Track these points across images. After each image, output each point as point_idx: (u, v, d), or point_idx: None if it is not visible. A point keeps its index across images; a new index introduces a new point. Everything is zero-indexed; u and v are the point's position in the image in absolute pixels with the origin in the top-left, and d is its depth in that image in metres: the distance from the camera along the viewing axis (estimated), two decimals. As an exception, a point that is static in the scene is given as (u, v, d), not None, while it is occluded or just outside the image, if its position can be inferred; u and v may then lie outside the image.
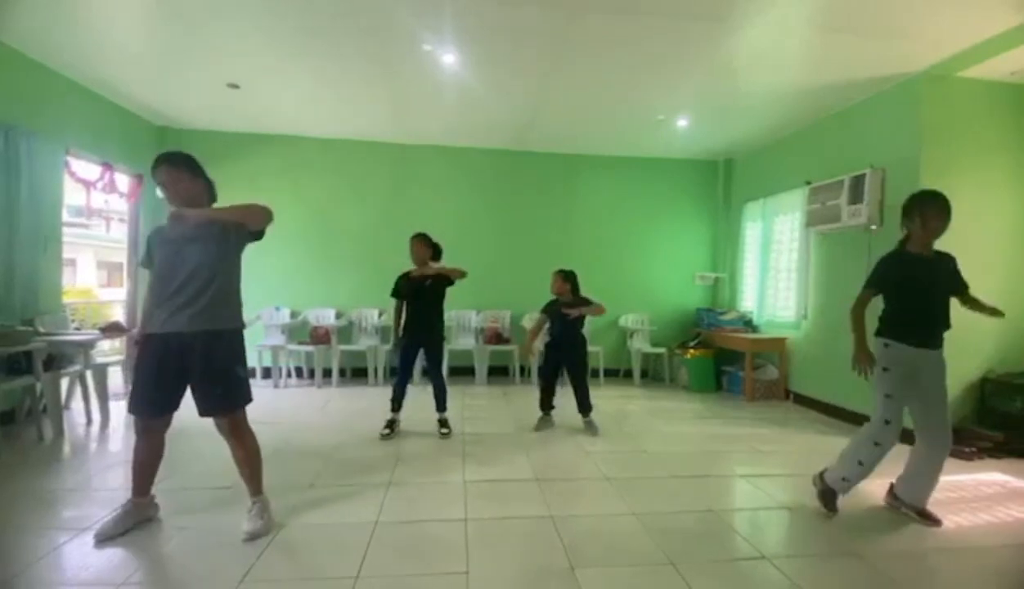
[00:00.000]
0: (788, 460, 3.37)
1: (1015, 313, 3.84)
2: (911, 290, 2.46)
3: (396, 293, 3.74)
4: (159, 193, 2.11)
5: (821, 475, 2.63)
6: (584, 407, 3.90)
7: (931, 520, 2.46)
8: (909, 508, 2.52)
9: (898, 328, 2.48)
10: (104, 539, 2.10)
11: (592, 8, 3.10)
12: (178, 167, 2.14)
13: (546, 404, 3.99)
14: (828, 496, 2.55)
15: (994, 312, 2.47)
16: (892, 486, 2.64)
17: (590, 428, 3.85)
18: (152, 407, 2.15)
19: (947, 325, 2.46)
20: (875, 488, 2.76)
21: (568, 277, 3.93)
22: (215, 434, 2.52)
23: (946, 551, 2.21)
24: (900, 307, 2.50)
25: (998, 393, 3.74)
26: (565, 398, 4.08)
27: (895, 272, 2.49)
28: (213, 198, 2.32)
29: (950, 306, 2.47)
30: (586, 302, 3.90)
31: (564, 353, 3.92)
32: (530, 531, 2.30)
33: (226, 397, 2.17)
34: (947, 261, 2.50)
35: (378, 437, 3.60)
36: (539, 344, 4.03)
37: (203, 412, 2.16)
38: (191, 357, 2.09)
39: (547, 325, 3.98)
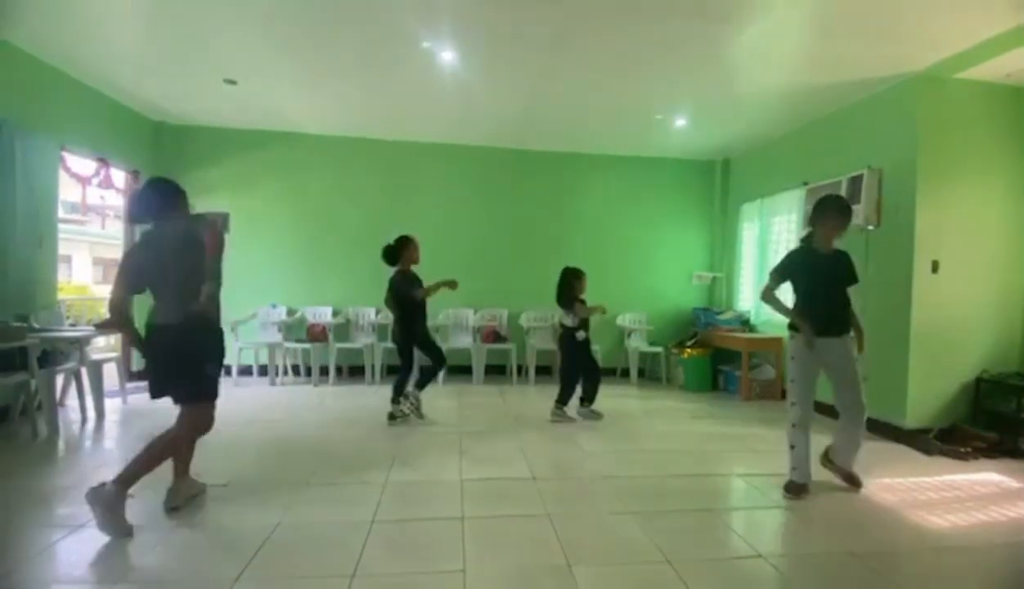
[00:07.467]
0: (784, 459, 3.35)
1: (1010, 313, 3.88)
2: (812, 282, 2.73)
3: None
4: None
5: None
6: (594, 396, 4.16)
7: (854, 484, 2.78)
8: (838, 470, 2.84)
9: (803, 318, 2.69)
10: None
11: (590, 6, 3.09)
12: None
13: (568, 397, 4.13)
14: (790, 488, 2.72)
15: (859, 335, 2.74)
16: (827, 448, 2.91)
17: (593, 415, 4.09)
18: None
19: (848, 312, 2.73)
20: (873, 490, 2.80)
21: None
22: (210, 431, 2.50)
23: (941, 550, 2.22)
24: (804, 299, 2.75)
25: (993, 393, 3.75)
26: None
27: (797, 264, 2.76)
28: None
29: (848, 297, 2.74)
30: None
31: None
32: (527, 529, 2.30)
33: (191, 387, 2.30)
34: (843, 257, 2.75)
35: (374, 432, 3.64)
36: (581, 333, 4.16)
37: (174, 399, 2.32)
38: (172, 348, 2.26)
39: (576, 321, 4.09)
